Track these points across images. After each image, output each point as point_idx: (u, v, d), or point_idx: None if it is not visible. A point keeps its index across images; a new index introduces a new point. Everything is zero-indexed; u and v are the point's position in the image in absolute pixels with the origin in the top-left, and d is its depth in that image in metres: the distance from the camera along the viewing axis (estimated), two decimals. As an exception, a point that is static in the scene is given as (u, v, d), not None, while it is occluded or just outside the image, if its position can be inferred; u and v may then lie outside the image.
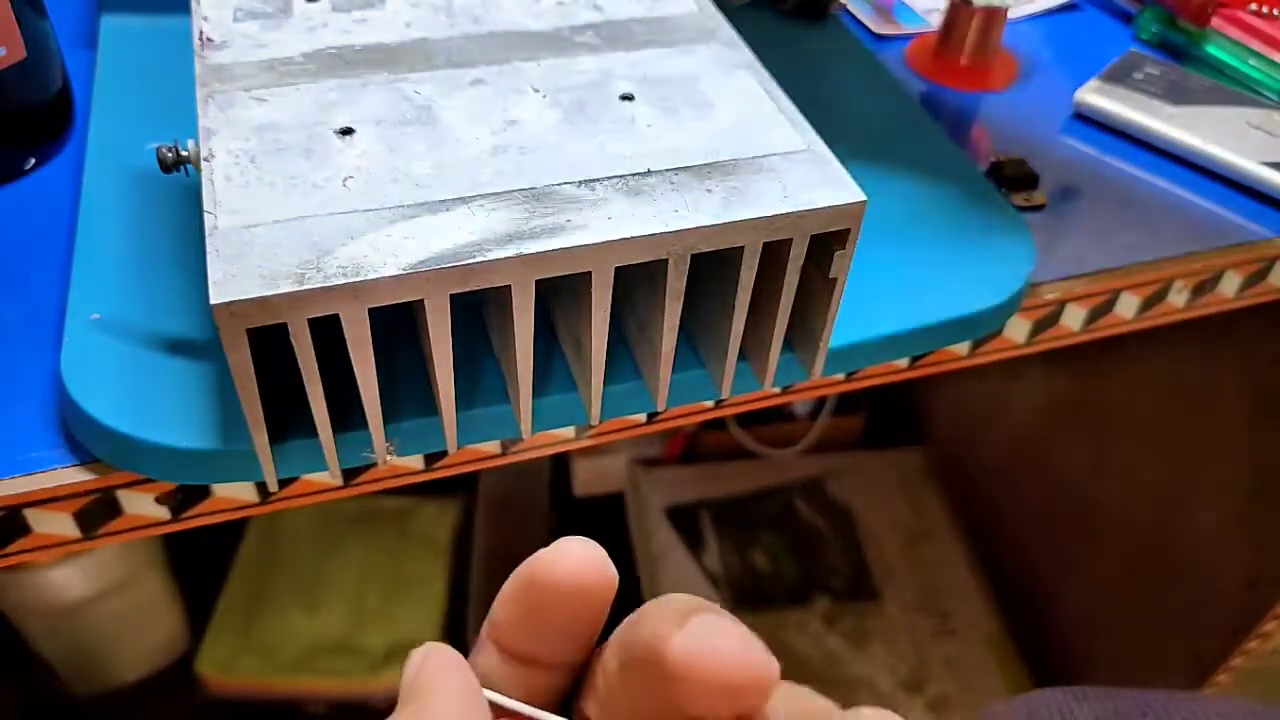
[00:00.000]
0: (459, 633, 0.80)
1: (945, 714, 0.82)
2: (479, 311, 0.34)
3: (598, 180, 0.28)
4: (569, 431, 0.35)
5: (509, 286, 0.26)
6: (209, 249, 0.25)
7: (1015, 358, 0.42)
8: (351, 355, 0.26)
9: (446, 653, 0.20)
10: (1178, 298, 0.43)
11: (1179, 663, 0.73)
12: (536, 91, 0.31)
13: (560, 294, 0.33)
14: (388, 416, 0.29)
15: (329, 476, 0.32)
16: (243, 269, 0.24)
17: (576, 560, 0.19)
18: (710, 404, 0.36)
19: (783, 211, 0.27)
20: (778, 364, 0.33)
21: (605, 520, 0.91)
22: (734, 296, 0.29)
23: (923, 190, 0.41)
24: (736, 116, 0.31)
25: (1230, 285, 0.44)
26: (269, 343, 0.26)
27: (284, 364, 0.26)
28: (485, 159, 0.28)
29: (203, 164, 0.27)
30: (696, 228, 0.27)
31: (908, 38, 0.54)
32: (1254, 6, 0.52)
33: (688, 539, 0.87)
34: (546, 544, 0.20)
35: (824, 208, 0.28)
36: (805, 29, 0.51)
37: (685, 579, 0.84)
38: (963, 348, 0.40)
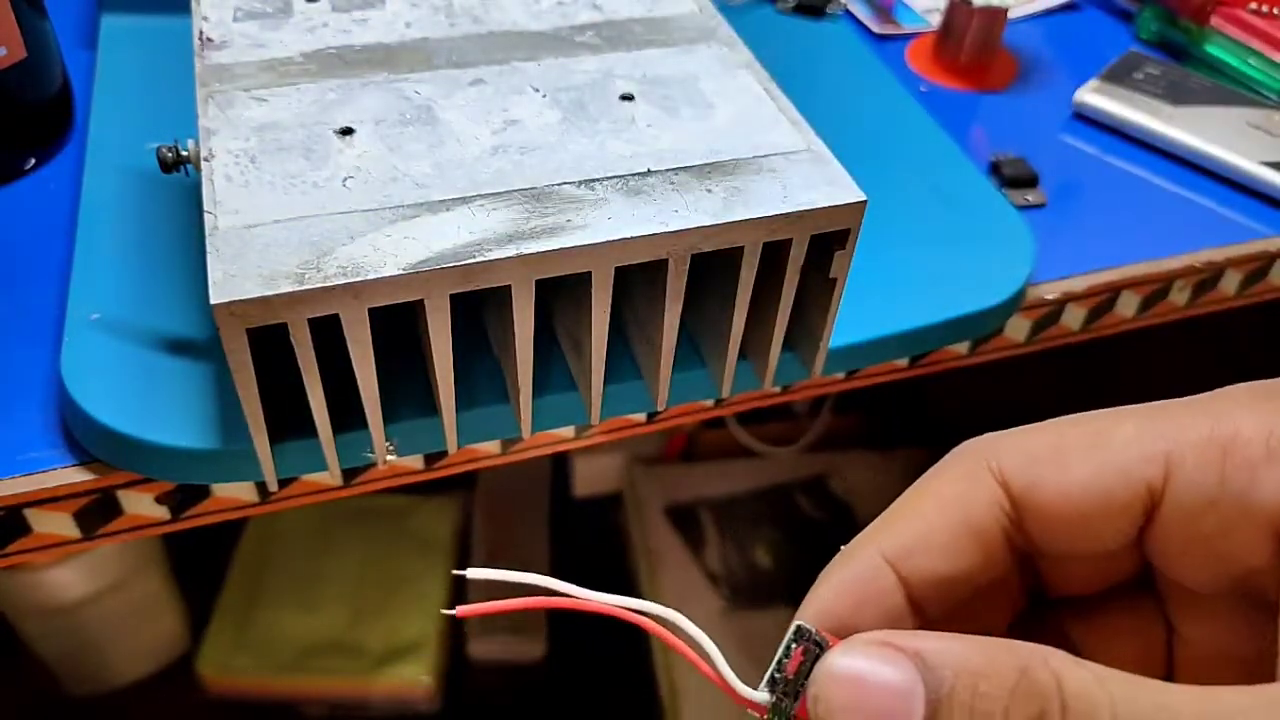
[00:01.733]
0: (458, 633, 0.80)
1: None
2: (479, 311, 0.34)
3: (598, 180, 0.28)
4: (569, 431, 0.35)
5: (509, 286, 0.26)
6: (209, 249, 0.25)
7: (1015, 357, 0.42)
8: (351, 355, 0.26)
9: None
10: (1178, 297, 0.43)
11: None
12: (536, 91, 0.31)
13: (560, 294, 0.33)
14: (387, 416, 0.29)
15: (329, 476, 0.32)
16: (243, 269, 0.24)
17: None
18: (710, 403, 0.36)
19: (783, 211, 0.27)
20: (778, 363, 0.33)
21: (604, 520, 0.91)
22: (734, 296, 0.29)
23: (923, 190, 0.41)
24: (736, 116, 0.30)
25: (1230, 285, 0.44)
26: (269, 343, 0.26)
27: (284, 364, 0.26)
28: (485, 159, 0.28)
29: (203, 164, 0.27)
30: (696, 228, 0.27)
31: (908, 38, 0.54)
32: (1254, 6, 0.52)
33: (688, 538, 0.87)
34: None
35: (824, 208, 0.28)
36: (805, 29, 0.51)
37: (685, 578, 0.84)
38: (963, 347, 0.40)
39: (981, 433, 0.21)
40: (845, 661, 0.17)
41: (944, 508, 0.20)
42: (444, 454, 0.34)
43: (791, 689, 0.19)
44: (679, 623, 0.19)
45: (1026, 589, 0.22)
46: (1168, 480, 0.19)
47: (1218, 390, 0.20)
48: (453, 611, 0.19)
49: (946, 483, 0.20)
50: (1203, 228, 0.44)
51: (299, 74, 0.31)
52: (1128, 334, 0.44)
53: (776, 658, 0.19)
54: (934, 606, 0.20)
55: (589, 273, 0.27)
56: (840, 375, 0.37)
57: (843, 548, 0.21)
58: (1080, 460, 0.19)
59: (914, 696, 0.17)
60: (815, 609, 0.20)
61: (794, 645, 0.19)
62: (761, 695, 0.19)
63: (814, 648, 0.19)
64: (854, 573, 0.20)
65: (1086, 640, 0.22)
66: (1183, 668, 0.21)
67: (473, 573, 0.19)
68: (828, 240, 0.29)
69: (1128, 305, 0.42)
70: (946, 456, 0.21)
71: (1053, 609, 0.23)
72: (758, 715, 0.19)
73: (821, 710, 0.17)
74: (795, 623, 0.19)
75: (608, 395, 0.32)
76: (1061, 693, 0.16)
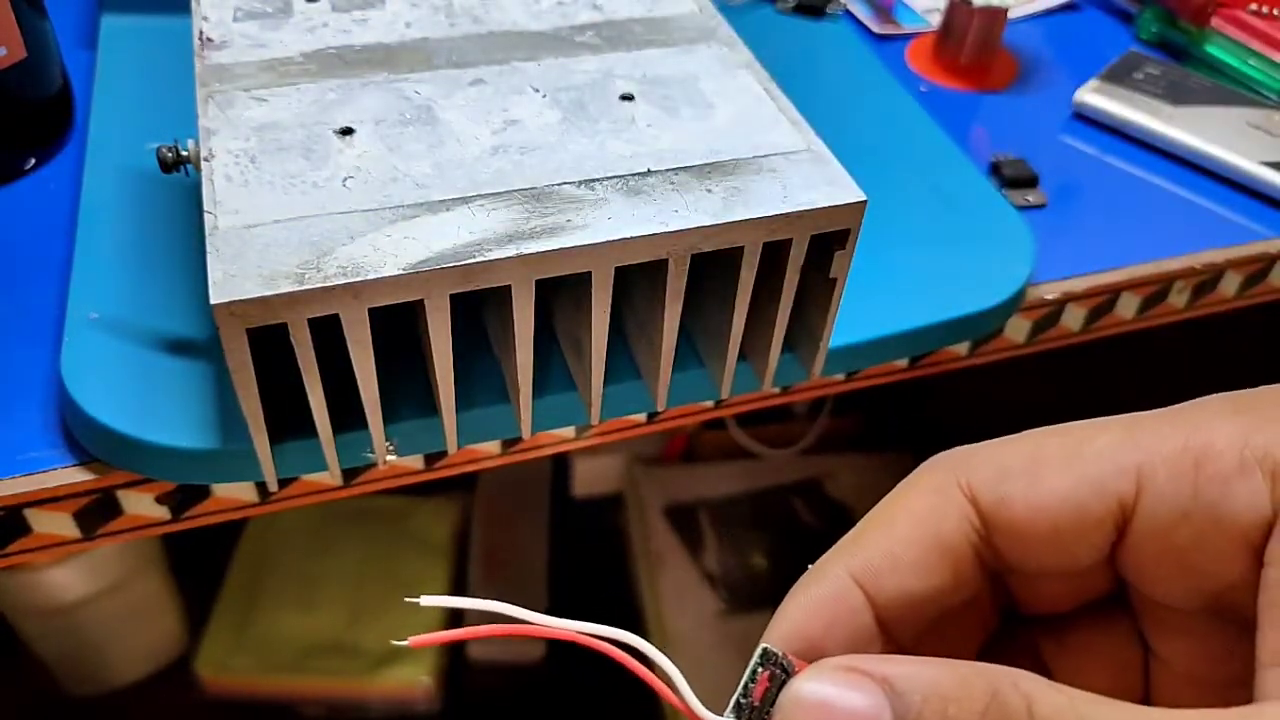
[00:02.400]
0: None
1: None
2: (479, 311, 0.34)
3: (598, 180, 0.28)
4: (569, 432, 0.35)
5: (509, 286, 0.26)
6: (209, 249, 0.25)
7: (1015, 358, 0.42)
8: (351, 355, 0.26)
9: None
10: (1178, 298, 0.43)
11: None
12: (536, 91, 0.31)
13: (560, 294, 0.33)
14: (387, 416, 0.29)
15: (329, 477, 0.32)
16: (243, 269, 0.24)
17: None
18: (710, 404, 0.36)
19: (783, 211, 0.27)
20: (777, 364, 0.33)
21: (604, 520, 0.91)
22: (734, 296, 0.29)
23: (923, 190, 0.41)
24: (736, 116, 0.30)
25: (1230, 285, 0.44)
26: (269, 343, 0.26)
27: (284, 364, 0.26)
28: (485, 159, 0.28)
29: (203, 164, 0.27)
30: (696, 228, 0.27)
31: (908, 38, 0.54)
32: (1254, 6, 0.52)
33: (687, 539, 0.87)
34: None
35: (824, 208, 0.28)
36: (805, 29, 0.51)
37: (684, 580, 0.84)
38: (963, 348, 0.40)
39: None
40: (811, 687, 0.17)
41: (913, 525, 0.20)
42: (444, 454, 0.34)
43: (758, 715, 0.18)
44: (641, 647, 0.19)
45: (999, 608, 0.22)
46: (1139, 493, 0.18)
47: (1193, 401, 0.19)
48: (405, 643, 0.19)
49: (915, 498, 0.20)
50: (1203, 228, 0.44)
51: (299, 74, 0.31)
52: (1127, 335, 0.44)
53: (742, 682, 0.18)
54: (903, 626, 0.20)
55: (589, 273, 0.27)
56: (840, 376, 0.37)
57: (810, 566, 0.20)
58: (1051, 474, 0.19)
59: None
60: (782, 630, 0.20)
61: (759, 669, 0.18)
62: None
63: (780, 672, 0.18)
64: (822, 592, 0.20)
65: (1060, 660, 0.22)
66: (1159, 688, 0.21)
67: (426, 600, 0.19)
68: (828, 240, 0.29)
69: (1127, 306, 0.42)
70: (917, 470, 0.20)
71: (1025, 627, 0.22)
72: None
73: None
74: (761, 645, 0.19)
75: (608, 396, 0.32)
76: (1032, 716, 0.15)
